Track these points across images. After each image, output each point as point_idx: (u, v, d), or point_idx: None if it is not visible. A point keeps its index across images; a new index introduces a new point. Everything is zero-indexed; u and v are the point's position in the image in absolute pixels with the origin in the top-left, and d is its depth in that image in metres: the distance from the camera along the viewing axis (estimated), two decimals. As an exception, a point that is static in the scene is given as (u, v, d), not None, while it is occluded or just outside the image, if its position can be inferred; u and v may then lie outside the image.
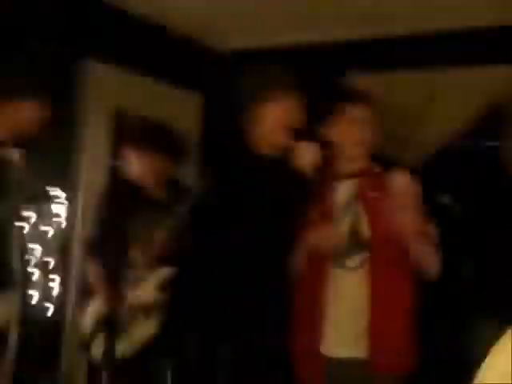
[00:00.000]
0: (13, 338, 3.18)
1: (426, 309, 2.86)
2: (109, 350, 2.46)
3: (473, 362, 3.08)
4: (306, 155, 2.63)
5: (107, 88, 4.81)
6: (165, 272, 3.27)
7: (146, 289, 3.26)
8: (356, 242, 2.69)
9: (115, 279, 3.08)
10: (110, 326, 2.43)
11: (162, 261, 3.18)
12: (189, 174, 3.88)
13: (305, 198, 2.71)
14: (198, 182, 2.98)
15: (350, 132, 2.74)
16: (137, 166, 3.47)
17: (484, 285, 3.36)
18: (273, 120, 2.70)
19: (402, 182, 2.74)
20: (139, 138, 3.51)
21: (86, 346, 2.47)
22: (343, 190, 2.77)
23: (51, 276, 4.31)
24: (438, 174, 3.95)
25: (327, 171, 2.77)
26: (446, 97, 4.38)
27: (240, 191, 2.63)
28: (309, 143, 2.65)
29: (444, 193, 3.09)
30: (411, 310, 2.77)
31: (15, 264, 2.84)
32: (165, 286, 3.26)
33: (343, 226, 2.71)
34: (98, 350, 2.64)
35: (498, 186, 3.48)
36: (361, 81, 4.46)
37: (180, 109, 5.05)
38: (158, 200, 3.38)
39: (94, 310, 3.28)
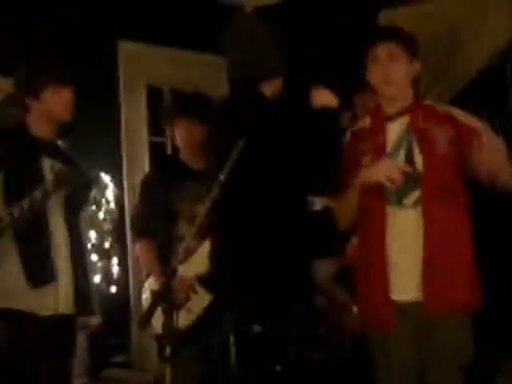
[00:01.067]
0: (83, 323, 3.31)
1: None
2: (168, 324, 2.52)
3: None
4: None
5: (141, 65, 4.86)
6: None
7: (197, 260, 3.28)
8: (411, 178, 2.62)
9: (166, 254, 3.14)
10: (167, 300, 2.48)
11: (208, 231, 3.20)
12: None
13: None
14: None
15: (375, 72, 2.69)
16: (182, 139, 3.43)
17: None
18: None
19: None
20: (181, 111, 3.44)
21: (145, 321, 2.54)
22: (394, 128, 2.72)
23: (109, 259, 4.44)
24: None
25: (375, 113, 2.77)
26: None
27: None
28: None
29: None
30: (468, 245, 2.68)
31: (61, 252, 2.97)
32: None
33: (397, 163, 2.66)
34: (158, 324, 2.70)
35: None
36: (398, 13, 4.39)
37: (214, 77, 5.01)
38: (201, 171, 3.32)
39: (150, 286, 3.34)
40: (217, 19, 4.76)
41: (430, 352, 2.62)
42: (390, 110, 2.73)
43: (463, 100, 3.80)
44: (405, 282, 2.61)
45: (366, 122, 2.82)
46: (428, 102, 2.80)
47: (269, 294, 2.90)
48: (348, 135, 2.83)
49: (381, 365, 2.70)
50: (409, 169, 2.62)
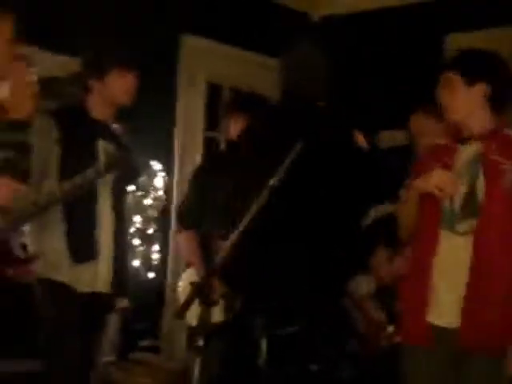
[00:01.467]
0: (118, 305, 3.36)
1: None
2: (203, 317, 2.55)
3: None
4: None
5: (201, 60, 4.92)
6: None
7: None
8: (470, 206, 2.62)
9: (209, 249, 3.18)
10: (205, 293, 2.51)
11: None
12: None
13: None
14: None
15: (441, 98, 2.71)
16: (236, 133, 3.47)
17: None
18: None
19: None
20: (239, 107, 3.54)
21: (182, 311, 2.57)
22: (465, 152, 2.69)
23: (151, 245, 4.50)
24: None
25: (452, 135, 2.77)
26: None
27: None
28: None
29: None
30: None
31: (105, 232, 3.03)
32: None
33: (460, 188, 2.64)
34: (193, 316, 2.73)
35: None
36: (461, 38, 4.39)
37: (269, 78, 5.11)
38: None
39: (188, 278, 3.36)
40: (275, 23, 5.07)
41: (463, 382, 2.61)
42: (464, 132, 2.71)
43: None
44: (443, 307, 2.61)
45: (443, 140, 2.82)
46: (507, 131, 2.73)
47: (300, 296, 2.94)
48: (426, 149, 2.87)
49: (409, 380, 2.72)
50: (467, 201, 2.62)
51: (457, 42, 4.46)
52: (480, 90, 2.67)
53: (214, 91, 5.10)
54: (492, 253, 2.59)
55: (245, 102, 3.61)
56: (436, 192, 2.59)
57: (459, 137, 2.72)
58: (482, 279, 2.57)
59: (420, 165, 2.81)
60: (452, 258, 2.62)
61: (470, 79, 2.66)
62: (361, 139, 2.88)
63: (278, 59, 3.04)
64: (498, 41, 4.24)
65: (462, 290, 2.58)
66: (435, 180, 2.60)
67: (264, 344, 3.07)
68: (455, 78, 2.67)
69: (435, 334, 2.62)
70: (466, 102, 2.68)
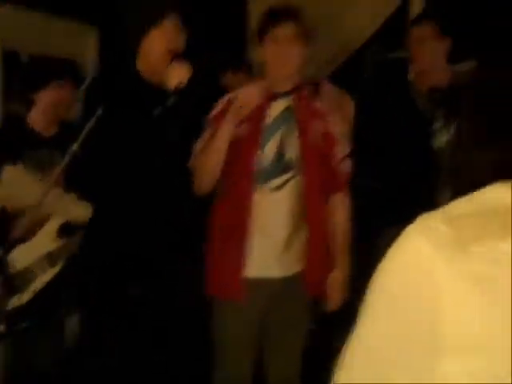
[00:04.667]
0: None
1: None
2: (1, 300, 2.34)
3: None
4: (175, 74, 2.64)
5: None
6: (65, 216, 3.12)
7: (44, 236, 3.08)
8: (281, 161, 2.71)
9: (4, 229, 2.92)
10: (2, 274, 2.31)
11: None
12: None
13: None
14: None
15: (275, 52, 2.72)
16: (46, 104, 3.29)
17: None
18: (153, 46, 2.73)
19: (331, 92, 2.88)
20: (53, 76, 3.29)
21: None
22: (274, 109, 2.77)
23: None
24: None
25: (259, 91, 2.77)
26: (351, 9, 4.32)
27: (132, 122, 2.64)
28: (179, 63, 2.66)
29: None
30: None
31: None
32: (68, 230, 3.13)
33: (271, 145, 2.72)
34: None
35: (405, 98, 3.46)
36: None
37: (76, 44, 4.82)
38: (53, 138, 3.25)
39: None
40: None
41: (281, 318, 2.78)
42: (277, 88, 2.77)
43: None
44: (263, 260, 2.70)
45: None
46: (309, 87, 2.88)
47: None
48: (223, 101, 2.80)
49: (221, 330, 2.78)
50: (278, 158, 2.69)
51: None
52: (308, 47, 2.77)
53: (10, 59, 4.66)
54: (315, 205, 2.76)
55: (58, 69, 3.35)
56: (245, 105, 2.64)
57: (269, 93, 2.75)
58: (314, 231, 2.76)
59: (221, 115, 2.76)
60: (268, 214, 2.70)
61: (307, 35, 2.78)
62: (172, 72, 2.68)
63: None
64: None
65: (281, 243, 2.71)
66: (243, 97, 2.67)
67: (74, 324, 2.93)
68: (298, 32, 2.74)
69: (251, 287, 2.68)
70: (301, 57, 2.77)
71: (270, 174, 2.71)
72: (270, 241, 2.71)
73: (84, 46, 4.95)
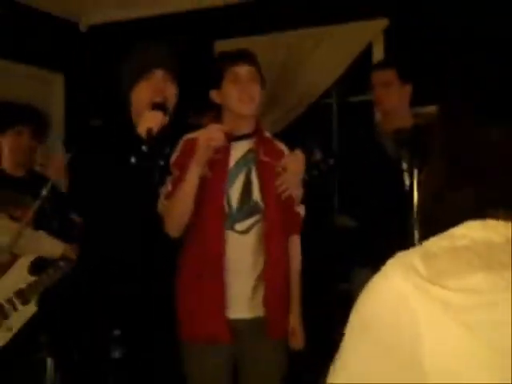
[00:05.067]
0: None
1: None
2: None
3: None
4: (145, 122, 2.64)
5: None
6: (36, 253, 3.14)
7: (15, 275, 3.10)
8: (246, 205, 2.73)
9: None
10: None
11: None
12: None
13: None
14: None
15: (236, 90, 2.73)
16: (10, 147, 3.36)
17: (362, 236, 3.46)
18: (140, 99, 2.77)
19: (295, 162, 2.84)
20: (13, 120, 3.37)
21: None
22: (237, 151, 2.78)
23: None
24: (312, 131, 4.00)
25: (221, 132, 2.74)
26: (315, 55, 4.40)
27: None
28: (152, 111, 2.67)
29: (316, 149, 3.09)
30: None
31: None
32: (39, 267, 3.15)
33: (235, 188, 2.74)
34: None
35: (371, 140, 3.56)
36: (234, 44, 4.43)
37: (41, 91, 4.86)
38: (20, 179, 3.32)
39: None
40: (50, 36, 4.81)
41: (257, 364, 2.76)
42: (237, 130, 2.77)
43: (294, 130, 3.97)
44: (237, 301, 2.71)
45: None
46: (267, 133, 2.89)
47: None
48: (182, 143, 2.80)
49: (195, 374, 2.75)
50: (244, 201, 2.72)
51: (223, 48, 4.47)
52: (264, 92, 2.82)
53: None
54: (277, 251, 2.77)
55: (19, 114, 3.41)
56: (209, 143, 2.62)
57: (230, 135, 2.74)
58: (274, 275, 2.76)
59: (182, 158, 2.75)
60: (239, 256, 2.71)
61: (263, 79, 2.83)
62: (143, 120, 2.70)
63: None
64: (267, 47, 4.40)
65: (251, 284, 2.73)
66: (207, 133, 2.65)
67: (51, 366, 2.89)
68: (256, 72, 2.78)
69: (231, 329, 2.69)
70: (260, 97, 2.80)
71: (236, 217, 2.72)
72: (239, 283, 2.72)
73: (49, 92, 4.98)
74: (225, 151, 2.74)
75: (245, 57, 2.79)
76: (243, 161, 2.77)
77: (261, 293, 2.75)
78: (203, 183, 2.67)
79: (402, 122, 3.32)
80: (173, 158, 2.77)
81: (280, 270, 2.79)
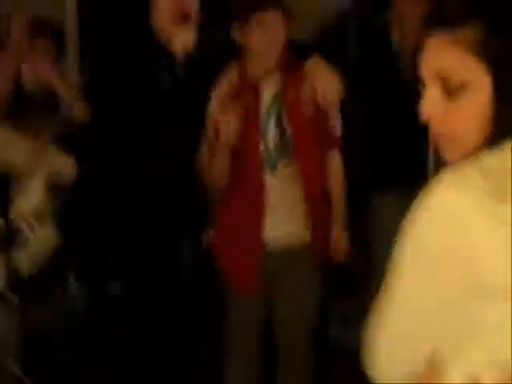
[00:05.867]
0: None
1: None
2: (11, 271, 2.30)
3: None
4: (180, 38, 2.61)
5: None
6: (54, 168, 3.07)
7: (31, 192, 3.02)
8: (283, 146, 2.74)
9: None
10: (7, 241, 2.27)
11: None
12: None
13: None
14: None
15: (262, 36, 2.69)
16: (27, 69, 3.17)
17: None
18: (162, 7, 2.69)
19: (319, 72, 2.79)
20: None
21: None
22: (266, 88, 2.77)
23: None
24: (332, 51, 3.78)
25: (244, 72, 2.76)
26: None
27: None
28: (184, 26, 2.62)
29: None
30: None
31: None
32: (55, 186, 3.09)
33: (270, 131, 2.74)
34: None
35: (385, 61, 3.48)
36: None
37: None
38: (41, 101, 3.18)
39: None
40: None
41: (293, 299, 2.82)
42: (259, 70, 2.74)
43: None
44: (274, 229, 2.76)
45: (230, 82, 2.78)
46: (294, 61, 2.82)
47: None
48: (214, 99, 2.76)
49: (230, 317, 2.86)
50: (280, 140, 2.72)
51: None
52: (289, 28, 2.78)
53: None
54: (315, 181, 2.81)
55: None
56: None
57: (251, 75, 2.73)
58: (315, 204, 2.80)
59: (220, 106, 2.73)
60: (279, 196, 2.75)
61: (288, 16, 2.76)
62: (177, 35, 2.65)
63: None
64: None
65: (295, 220, 2.78)
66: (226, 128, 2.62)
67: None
68: (280, 15, 2.73)
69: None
70: (284, 38, 2.76)
71: (275, 159, 2.75)
72: (277, 216, 2.76)
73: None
74: (254, 96, 2.73)
75: (272, 3, 2.71)
76: (273, 103, 2.75)
77: (298, 221, 2.80)
78: (238, 132, 2.67)
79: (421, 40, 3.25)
80: (210, 106, 2.75)
81: (316, 185, 2.83)
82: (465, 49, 1.11)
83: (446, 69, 1.14)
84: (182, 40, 2.59)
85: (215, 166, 2.71)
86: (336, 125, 2.85)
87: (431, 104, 1.15)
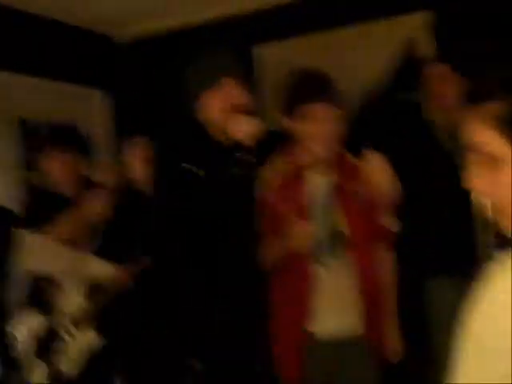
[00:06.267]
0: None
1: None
2: (54, 372, 2.26)
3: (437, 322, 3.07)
4: (243, 126, 2.57)
5: (9, 96, 4.49)
6: (94, 274, 3.09)
7: (71, 297, 3.03)
8: (334, 238, 2.64)
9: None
10: (49, 345, 2.23)
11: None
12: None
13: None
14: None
15: (313, 131, 2.60)
16: (52, 170, 3.33)
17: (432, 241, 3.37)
18: (217, 107, 2.67)
19: (377, 166, 2.72)
20: (48, 142, 3.36)
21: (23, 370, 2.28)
22: (317, 182, 2.67)
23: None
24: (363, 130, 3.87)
25: (293, 161, 2.69)
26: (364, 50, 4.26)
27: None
28: (246, 116, 2.61)
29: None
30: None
31: None
32: (95, 291, 3.10)
33: (322, 223, 2.65)
34: (39, 374, 2.43)
35: (423, 137, 3.47)
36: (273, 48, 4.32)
37: (87, 109, 4.86)
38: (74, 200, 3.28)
39: (27, 328, 2.99)
40: (92, 53, 4.81)
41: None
42: (314, 159, 2.66)
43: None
44: (327, 320, 2.64)
45: (278, 171, 2.71)
46: (349, 155, 2.75)
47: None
48: (271, 180, 2.72)
49: None
50: (332, 235, 2.62)
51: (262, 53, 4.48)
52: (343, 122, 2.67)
53: (25, 127, 4.62)
54: (368, 275, 2.68)
55: (57, 136, 3.39)
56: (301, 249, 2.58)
57: (299, 165, 2.66)
58: (368, 297, 2.67)
59: (269, 202, 2.69)
60: (328, 288, 2.63)
61: (340, 107, 2.66)
62: (239, 124, 2.63)
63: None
64: (304, 49, 4.31)
65: (342, 305, 2.64)
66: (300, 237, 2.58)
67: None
68: (333, 109, 2.62)
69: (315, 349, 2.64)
70: (340, 133, 2.68)
71: (323, 251, 2.65)
72: (331, 306, 2.66)
73: (96, 109, 4.96)
74: (299, 186, 2.67)
75: (323, 93, 2.60)
76: (321, 191, 2.67)
77: (351, 314, 2.68)
78: (285, 220, 2.62)
79: (457, 117, 3.19)
80: (267, 194, 2.71)
81: (370, 282, 2.71)
82: (490, 125, 1.14)
83: (477, 143, 1.17)
84: (243, 130, 2.56)
85: (271, 255, 2.68)
86: (390, 220, 2.76)
87: (475, 177, 1.18)
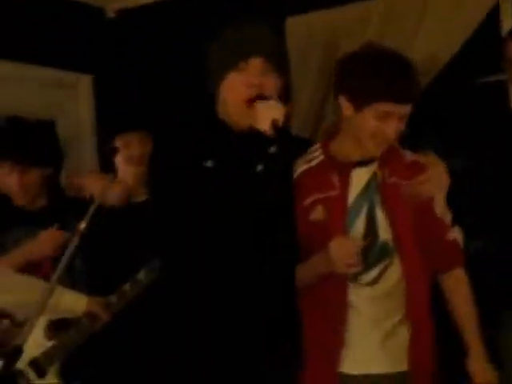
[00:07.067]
0: None
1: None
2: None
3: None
4: (267, 114, 2.39)
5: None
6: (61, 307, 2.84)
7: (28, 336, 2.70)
8: (373, 250, 2.43)
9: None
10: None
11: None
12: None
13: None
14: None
15: (375, 128, 2.39)
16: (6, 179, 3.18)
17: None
18: (241, 90, 2.49)
19: (438, 172, 2.50)
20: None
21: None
22: (356, 181, 2.50)
23: None
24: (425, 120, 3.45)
25: (333, 156, 2.53)
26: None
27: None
28: (269, 101, 2.43)
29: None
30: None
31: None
32: (61, 327, 2.93)
33: (357, 229, 2.45)
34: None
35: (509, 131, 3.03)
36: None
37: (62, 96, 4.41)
38: (35, 211, 3.22)
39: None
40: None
41: None
42: (357, 154, 2.49)
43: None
44: (363, 355, 2.48)
45: (315, 156, 2.54)
46: (402, 151, 2.56)
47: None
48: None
49: None
50: (368, 245, 2.43)
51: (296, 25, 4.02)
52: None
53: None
54: (421, 297, 2.52)
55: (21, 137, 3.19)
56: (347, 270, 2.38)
57: (345, 157, 2.50)
58: (419, 320, 2.51)
59: (301, 193, 2.49)
60: (365, 309, 2.47)
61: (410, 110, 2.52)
62: (262, 112, 2.43)
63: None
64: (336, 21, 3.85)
65: (380, 338, 2.47)
66: (343, 258, 2.34)
67: None
68: (405, 109, 2.44)
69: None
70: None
71: (365, 263, 2.40)
72: (367, 337, 2.47)
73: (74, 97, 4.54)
74: (342, 183, 2.46)
75: (404, 94, 2.37)
76: (365, 192, 2.48)
77: (396, 348, 2.48)
78: (319, 225, 2.44)
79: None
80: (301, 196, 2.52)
81: (424, 314, 2.53)
82: None
83: None
84: (269, 116, 2.37)
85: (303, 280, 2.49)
86: (454, 237, 2.53)
87: None
